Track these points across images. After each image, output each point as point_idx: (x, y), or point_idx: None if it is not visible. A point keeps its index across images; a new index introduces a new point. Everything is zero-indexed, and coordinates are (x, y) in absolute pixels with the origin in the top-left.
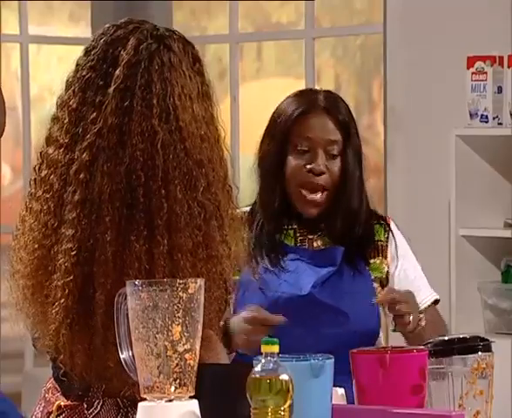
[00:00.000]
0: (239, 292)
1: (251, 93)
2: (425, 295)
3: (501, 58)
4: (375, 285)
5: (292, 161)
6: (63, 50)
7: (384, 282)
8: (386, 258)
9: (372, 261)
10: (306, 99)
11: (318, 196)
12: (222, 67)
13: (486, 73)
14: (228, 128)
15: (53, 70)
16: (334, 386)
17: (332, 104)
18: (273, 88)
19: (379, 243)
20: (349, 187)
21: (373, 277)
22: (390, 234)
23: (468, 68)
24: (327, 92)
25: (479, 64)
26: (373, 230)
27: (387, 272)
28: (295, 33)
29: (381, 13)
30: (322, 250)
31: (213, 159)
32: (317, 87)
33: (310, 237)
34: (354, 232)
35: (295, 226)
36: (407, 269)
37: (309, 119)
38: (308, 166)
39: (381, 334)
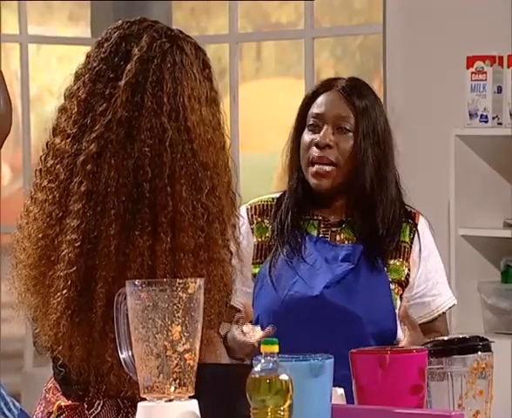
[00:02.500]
0: (256, 285)
1: (250, 93)
2: (442, 301)
3: (500, 58)
4: (392, 286)
5: (304, 138)
6: (62, 50)
7: (403, 284)
8: (407, 260)
9: (392, 262)
10: (326, 82)
11: (325, 167)
12: (222, 67)
13: (485, 73)
14: (228, 128)
15: (53, 70)
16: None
17: (349, 86)
18: (273, 88)
19: (402, 244)
20: (360, 167)
21: (390, 278)
22: (416, 236)
23: (467, 68)
24: (351, 78)
25: (478, 63)
26: (398, 228)
27: (408, 274)
28: (295, 33)
29: (381, 13)
30: (341, 246)
31: (218, 164)
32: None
33: (334, 230)
34: (376, 223)
35: (320, 218)
36: (428, 272)
37: (321, 97)
38: (315, 140)
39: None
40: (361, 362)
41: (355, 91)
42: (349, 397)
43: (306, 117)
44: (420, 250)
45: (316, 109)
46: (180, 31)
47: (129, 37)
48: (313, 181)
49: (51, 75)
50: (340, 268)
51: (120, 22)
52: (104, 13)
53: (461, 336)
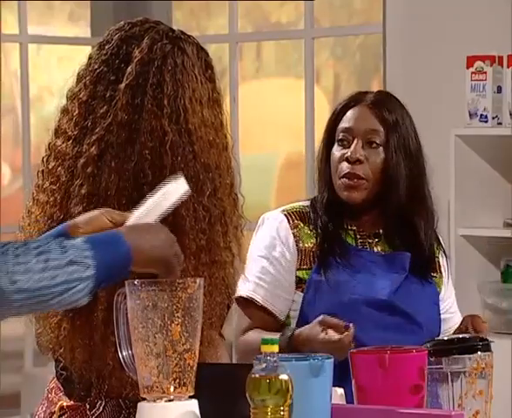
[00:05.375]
0: (308, 292)
1: (250, 93)
2: (458, 320)
3: (500, 58)
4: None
5: (334, 153)
6: (62, 50)
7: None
8: (441, 272)
9: (434, 275)
10: (355, 96)
11: (355, 181)
12: (222, 67)
13: (485, 73)
14: (228, 127)
15: (53, 70)
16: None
17: (378, 101)
18: (273, 88)
19: (435, 258)
20: (394, 180)
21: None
22: (440, 247)
23: (467, 68)
24: (379, 91)
25: (478, 63)
26: (433, 242)
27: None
28: (295, 33)
29: (381, 13)
30: (390, 254)
31: (221, 166)
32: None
33: (370, 241)
34: (420, 236)
35: (354, 228)
36: (451, 287)
37: (350, 111)
38: (345, 155)
39: None
40: (361, 362)
41: (384, 104)
42: (349, 397)
43: (334, 131)
44: (446, 262)
45: (345, 123)
46: (182, 32)
47: (130, 39)
48: (343, 194)
49: (51, 75)
50: (397, 275)
51: (122, 23)
52: (104, 13)
53: (461, 336)
